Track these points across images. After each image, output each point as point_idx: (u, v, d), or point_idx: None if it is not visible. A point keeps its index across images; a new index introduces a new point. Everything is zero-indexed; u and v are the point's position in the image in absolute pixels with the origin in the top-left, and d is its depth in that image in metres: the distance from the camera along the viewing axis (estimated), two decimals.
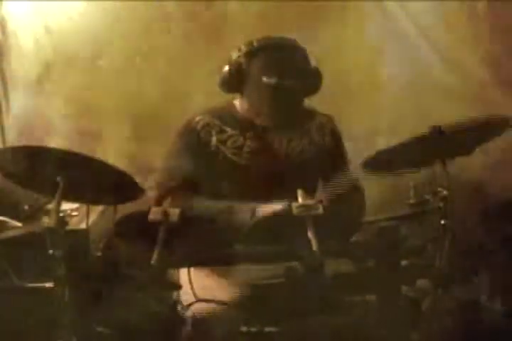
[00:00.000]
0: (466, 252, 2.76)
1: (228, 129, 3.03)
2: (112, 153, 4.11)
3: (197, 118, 3.05)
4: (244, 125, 3.04)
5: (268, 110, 3.00)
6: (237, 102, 3.08)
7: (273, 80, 2.94)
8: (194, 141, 3.01)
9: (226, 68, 3.02)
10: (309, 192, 2.61)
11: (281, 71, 2.95)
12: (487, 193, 3.80)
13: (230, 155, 2.99)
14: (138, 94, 4.20)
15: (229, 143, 3.01)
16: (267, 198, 2.79)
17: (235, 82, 3.01)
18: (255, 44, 3.00)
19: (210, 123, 3.03)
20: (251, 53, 2.99)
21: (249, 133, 3.02)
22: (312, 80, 3.04)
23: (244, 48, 3.00)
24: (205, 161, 2.99)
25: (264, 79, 2.95)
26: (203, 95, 3.94)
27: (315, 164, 3.06)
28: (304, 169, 3.02)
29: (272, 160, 3.02)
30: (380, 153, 2.66)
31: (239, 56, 2.99)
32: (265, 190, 2.90)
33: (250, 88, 3.00)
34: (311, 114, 3.14)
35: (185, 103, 4.04)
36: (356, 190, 3.08)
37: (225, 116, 3.05)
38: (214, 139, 3.00)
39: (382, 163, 2.73)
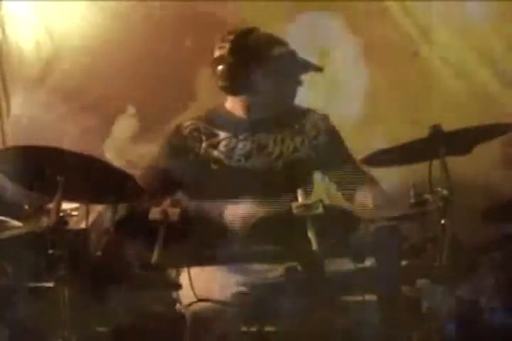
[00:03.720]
0: (467, 252, 2.76)
1: (220, 132, 3.01)
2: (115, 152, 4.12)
3: (186, 124, 3.03)
4: (236, 127, 3.02)
5: (264, 103, 2.98)
6: (229, 104, 3.06)
7: (283, 49, 2.94)
8: (180, 147, 2.99)
9: (220, 68, 2.96)
10: (305, 191, 2.61)
11: (277, 41, 2.96)
12: (487, 193, 3.80)
13: (222, 159, 2.98)
14: (140, 94, 4.20)
15: (221, 146, 2.99)
16: (262, 199, 2.79)
17: (239, 80, 2.97)
18: (232, 37, 2.95)
19: (199, 129, 3.01)
20: (238, 45, 2.95)
21: (241, 135, 3.01)
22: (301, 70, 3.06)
23: (226, 44, 2.96)
24: (193, 167, 2.97)
25: (271, 53, 2.93)
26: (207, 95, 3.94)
27: (309, 163, 3.05)
28: (298, 168, 3.02)
29: (265, 160, 3.01)
30: (380, 152, 2.66)
31: (228, 53, 2.95)
32: (260, 191, 2.90)
33: (259, 76, 2.96)
34: (305, 112, 3.13)
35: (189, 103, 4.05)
36: (370, 179, 3.07)
37: (216, 118, 3.03)
38: (204, 144, 2.99)
39: (381, 161, 2.73)
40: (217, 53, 2.97)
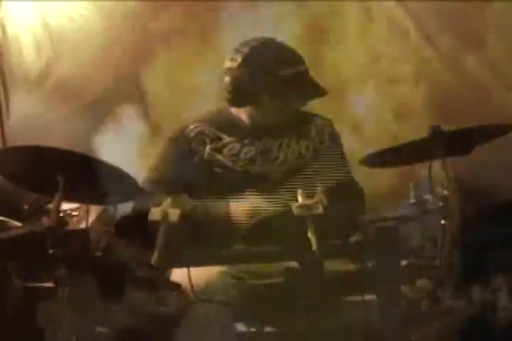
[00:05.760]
0: (476, 251, 2.76)
1: (225, 136, 3.00)
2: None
3: (191, 126, 3.01)
4: (241, 131, 3.01)
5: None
6: (233, 108, 3.05)
7: (293, 69, 2.91)
8: (185, 149, 2.98)
9: (227, 80, 2.95)
10: (308, 195, 2.61)
11: (290, 60, 2.94)
12: (487, 193, 3.80)
13: (226, 163, 2.97)
14: (141, 93, 4.21)
15: (225, 150, 2.99)
16: (266, 203, 2.80)
17: (245, 94, 2.95)
18: (246, 50, 2.94)
19: (205, 132, 3.00)
20: (250, 58, 2.93)
21: (246, 140, 3.00)
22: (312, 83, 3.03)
23: (238, 57, 2.94)
24: (197, 170, 2.97)
25: (281, 72, 2.91)
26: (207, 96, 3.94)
27: (313, 168, 3.05)
28: (302, 173, 3.02)
29: (270, 165, 3.00)
30: (380, 153, 2.66)
31: (238, 66, 2.93)
32: (264, 195, 2.90)
33: (266, 94, 2.95)
34: (310, 117, 3.13)
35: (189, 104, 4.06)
36: (355, 190, 3.09)
37: (221, 122, 3.02)
38: (208, 148, 2.98)
39: (381, 161, 2.74)
40: (227, 64, 2.95)
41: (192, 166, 2.97)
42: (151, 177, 2.98)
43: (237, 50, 2.94)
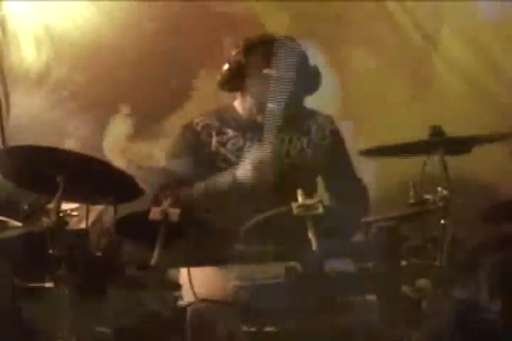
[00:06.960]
0: (466, 252, 2.76)
1: (229, 131, 3.04)
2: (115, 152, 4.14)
3: (197, 120, 3.06)
4: (244, 126, 3.05)
5: (270, 104, 3.00)
6: (237, 103, 3.09)
7: (274, 71, 2.95)
8: (194, 142, 3.03)
9: (226, 66, 3.03)
10: (308, 192, 2.61)
11: (281, 63, 2.97)
12: (487, 193, 3.80)
13: (229, 157, 3.00)
14: (139, 95, 4.21)
15: (229, 144, 3.02)
16: (267, 198, 2.80)
17: (235, 79, 3.02)
18: (253, 39, 3.01)
19: (211, 125, 3.05)
20: (249, 48, 3.00)
21: (249, 135, 3.03)
22: (311, 77, 3.05)
23: (242, 44, 3.02)
24: (205, 162, 3.00)
25: (266, 70, 2.96)
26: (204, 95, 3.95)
27: (314, 164, 3.07)
28: (303, 169, 3.03)
29: (272, 160, 3.02)
30: (381, 149, 2.67)
31: (237, 53, 3.01)
32: (265, 191, 2.90)
33: (251, 84, 3.01)
34: (312, 114, 3.15)
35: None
36: (360, 188, 3.11)
37: (225, 117, 3.07)
38: (214, 140, 3.02)
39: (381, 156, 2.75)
40: (233, 52, 3.03)
41: (201, 157, 3.01)
42: (164, 174, 3.01)
43: (247, 39, 3.03)
